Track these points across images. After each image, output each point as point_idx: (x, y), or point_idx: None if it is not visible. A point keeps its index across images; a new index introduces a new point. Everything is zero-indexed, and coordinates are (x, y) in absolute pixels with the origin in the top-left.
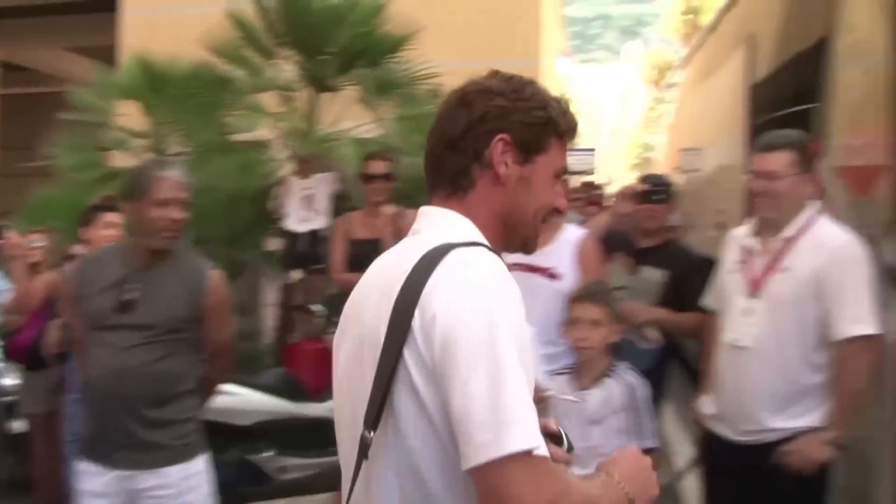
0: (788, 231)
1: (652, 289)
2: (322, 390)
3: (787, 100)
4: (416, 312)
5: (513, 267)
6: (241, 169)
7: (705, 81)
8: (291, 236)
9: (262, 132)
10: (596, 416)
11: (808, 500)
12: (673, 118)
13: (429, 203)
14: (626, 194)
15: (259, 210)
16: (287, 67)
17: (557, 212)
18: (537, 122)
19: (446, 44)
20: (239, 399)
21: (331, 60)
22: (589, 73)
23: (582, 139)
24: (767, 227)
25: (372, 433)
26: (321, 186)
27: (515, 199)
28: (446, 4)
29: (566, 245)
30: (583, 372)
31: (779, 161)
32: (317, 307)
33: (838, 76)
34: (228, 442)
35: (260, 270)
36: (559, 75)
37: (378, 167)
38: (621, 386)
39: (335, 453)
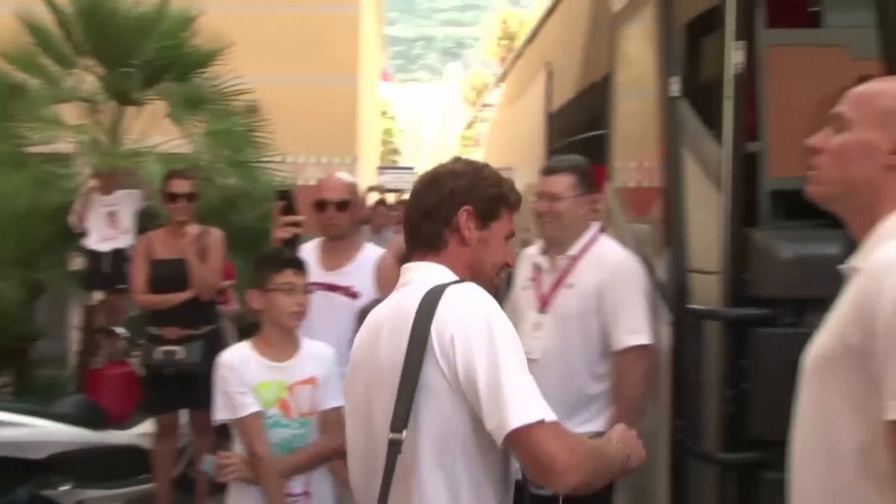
0: (573, 250)
1: None
2: (126, 416)
3: (581, 126)
4: (433, 337)
5: (312, 287)
6: (38, 184)
7: (514, 105)
8: (94, 255)
9: (62, 145)
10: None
11: (595, 498)
12: (487, 139)
13: (408, 259)
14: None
15: (59, 228)
16: (89, 78)
17: (507, 265)
18: (493, 197)
19: (263, 60)
20: (31, 431)
21: (135, 73)
22: (411, 93)
23: (401, 158)
24: (554, 246)
25: (402, 433)
26: (125, 203)
27: (477, 256)
28: (264, 20)
29: (366, 264)
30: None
31: (560, 183)
32: (120, 329)
33: (619, 106)
34: (19, 478)
35: (64, 291)
36: (380, 94)
37: (181, 186)
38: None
39: (140, 482)
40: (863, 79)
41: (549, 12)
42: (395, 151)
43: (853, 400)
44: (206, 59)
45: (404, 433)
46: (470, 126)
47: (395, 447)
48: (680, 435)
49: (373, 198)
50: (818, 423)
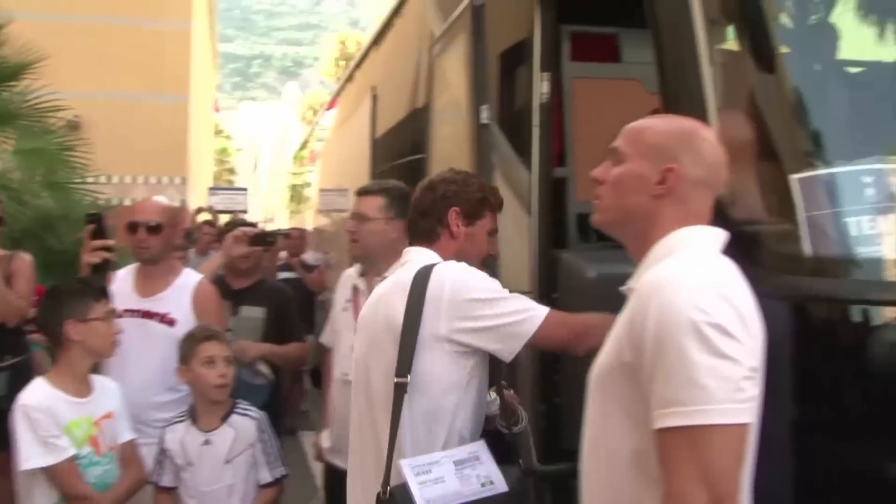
0: (389, 272)
1: (255, 326)
2: None
3: (404, 150)
4: (428, 297)
5: (125, 313)
6: None
7: (344, 127)
8: None
9: None
10: (229, 455)
11: None
12: (321, 159)
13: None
14: (239, 237)
15: None
16: None
17: (490, 256)
18: (478, 200)
19: (86, 74)
20: None
21: None
22: (248, 112)
23: (238, 178)
24: (372, 269)
25: (407, 377)
26: None
27: (463, 247)
28: (86, 30)
29: (183, 290)
30: (206, 412)
31: (370, 204)
32: None
33: (436, 131)
34: None
35: None
36: (214, 112)
37: None
38: (247, 421)
39: None
40: (656, 111)
41: (376, 38)
42: (232, 171)
43: (629, 411)
44: (15, 71)
45: (408, 377)
46: (304, 146)
47: (401, 389)
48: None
49: (202, 219)
50: (601, 433)
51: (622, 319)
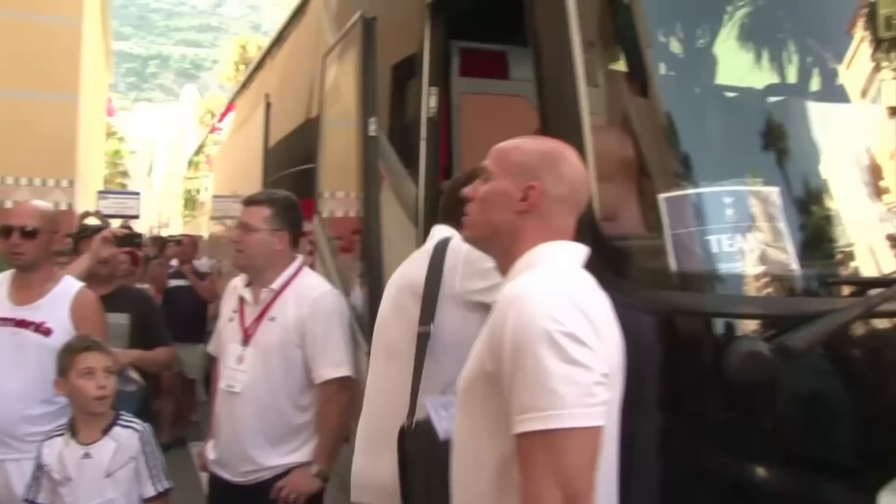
0: (275, 283)
1: (121, 333)
2: None
3: (297, 159)
4: (446, 260)
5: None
6: None
7: (239, 133)
8: None
9: None
10: (110, 469)
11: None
12: (216, 164)
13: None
14: (107, 238)
15: None
16: None
17: None
18: None
19: None
20: None
21: None
22: (144, 113)
23: (131, 181)
24: (258, 279)
25: (429, 326)
26: None
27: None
28: None
29: (60, 299)
30: (86, 425)
31: (254, 215)
32: None
33: (326, 141)
34: None
35: None
36: (107, 113)
37: None
38: (129, 432)
39: None
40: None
41: (272, 44)
42: (125, 174)
43: (492, 420)
44: None
45: (430, 326)
46: (200, 150)
47: (424, 337)
48: None
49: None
50: (467, 442)
51: (484, 330)
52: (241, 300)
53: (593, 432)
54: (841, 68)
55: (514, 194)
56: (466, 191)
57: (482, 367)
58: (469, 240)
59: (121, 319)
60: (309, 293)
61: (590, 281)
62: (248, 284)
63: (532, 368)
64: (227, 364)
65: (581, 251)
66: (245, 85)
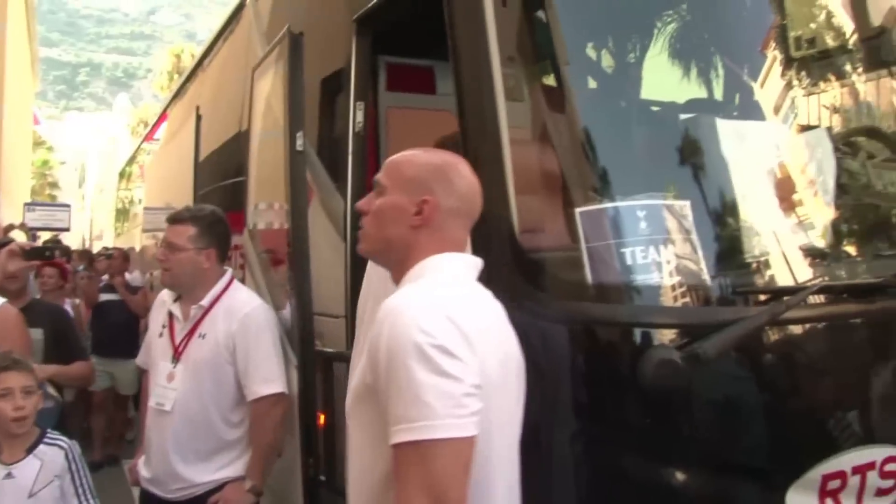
0: (205, 300)
1: (36, 348)
2: None
3: (227, 172)
4: None
5: None
6: None
7: (171, 144)
8: None
9: None
10: (34, 488)
11: None
12: (148, 175)
13: None
14: (14, 251)
15: None
16: None
17: None
18: None
19: None
20: None
21: None
22: (75, 123)
23: (62, 193)
24: (187, 295)
25: None
26: None
27: None
28: None
29: None
30: (9, 445)
31: (179, 234)
32: None
33: (255, 155)
34: None
35: None
36: (33, 122)
37: None
38: (54, 450)
39: None
40: None
41: (203, 56)
42: (55, 185)
43: (375, 433)
44: None
45: None
46: (132, 161)
47: None
48: (311, 472)
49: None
50: (355, 456)
51: (366, 343)
52: (171, 316)
53: (464, 442)
54: (755, 86)
55: (407, 209)
56: (360, 204)
57: (364, 380)
58: (364, 253)
59: (35, 335)
60: (239, 309)
61: (475, 292)
62: (177, 299)
63: (404, 380)
64: (157, 381)
65: (472, 262)
66: (177, 96)
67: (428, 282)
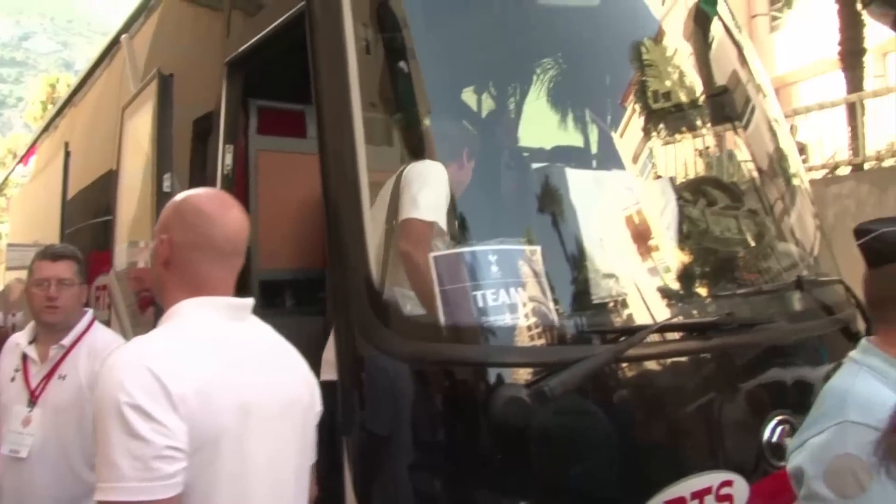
0: (66, 339)
1: None
2: None
3: (94, 211)
4: None
5: None
6: None
7: (39, 179)
8: None
9: None
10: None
11: None
12: (13, 209)
13: None
14: None
15: None
16: None
17: None
18: None
19: None
20: None
21: None
22: None
23: None
24: (46, 335)
25: None
26: None
27: None
28: None
29: None
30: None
31: (67, 269)
32: None
33: (123, 194)
34: None
35: None
36: None
37: None
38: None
39: None
40: None
41: (74, 91)
42: None
43: None
44: None
45: None
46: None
47: None
48: None
49: None
50: None
51: None
52: (25, 358)
53: None
54: (615, 135)
55: (157, 248)
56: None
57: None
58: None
59: None
60: (103, 349)
61: (224, 337)
62: (32, 341)
63: (102, 440)
64: (10, 427)
65: (223, 304)
66: (47, 129)
67: (163, 330)
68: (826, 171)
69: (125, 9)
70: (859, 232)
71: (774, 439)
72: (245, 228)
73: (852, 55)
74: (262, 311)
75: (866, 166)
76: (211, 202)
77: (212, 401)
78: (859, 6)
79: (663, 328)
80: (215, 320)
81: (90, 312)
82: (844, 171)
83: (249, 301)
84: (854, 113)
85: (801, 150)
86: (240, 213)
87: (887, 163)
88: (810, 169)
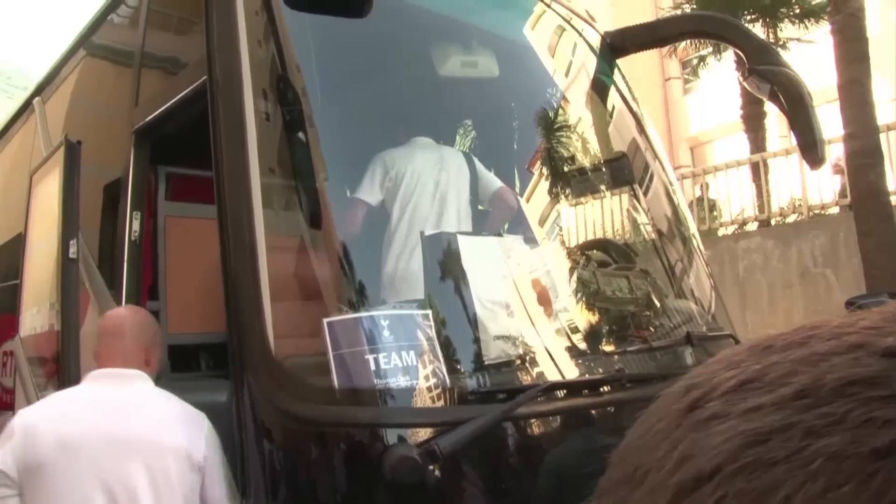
0: None
1: None
2: None
3: (7, 275)
4: None
5: None
6: None
7: None
8: None
9: None
10: None
11: None
12: None
13: None
14: None
15: None
16: None
17: None
18: None
19: None
20: None
21: None
22: None
23: None
24: None
25: None
26: None
27: None
28: None
29: None
30: None
31: None
32: None
33: (30, 259)
34: None
35: None
36: None
37: None
38: None
39: None
40: None
41: None
42: None
43: None
44: None
45: None
46: None
47: None
48: None
49: None
50: None
51: None
52: None
53: None
54: (521, 200)
55: None
56: None
57: None
58: None
59: None
60: None
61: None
62: None
63: None
64: None
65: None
66: None
67: None
68: (735, 226)
69: (47, 63)
70: (848, 304)
71: None
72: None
73: (753, 118)
74: (173, 374)
75: (772, 222)
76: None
77: (35, 434)
78: (739, 78)
79: (553, 387)
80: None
81: None
82: (752, 226)
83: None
84: (758, 172)
85: (712, 206)
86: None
87: (790, 219)
88: (721, 225)
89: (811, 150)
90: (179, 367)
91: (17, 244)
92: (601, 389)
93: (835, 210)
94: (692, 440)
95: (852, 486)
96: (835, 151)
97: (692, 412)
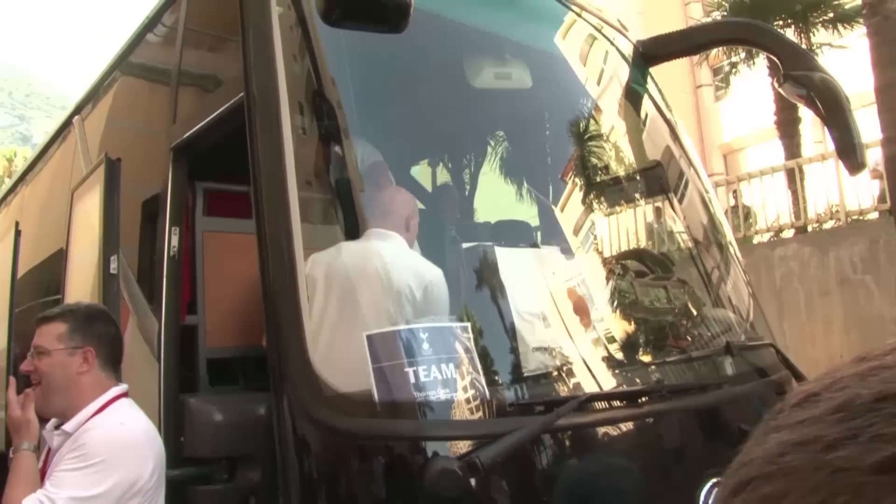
0: (69, 424)
1: None
2: None
3: (44, 290)
4: None
5: None
6: None
7: None
8: None
9: None
10: None
11: None
12: None
13: None
14: None
15: None
16: None
17: None
18: None
19: None
20: None
21: None
22: None
23: None
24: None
25: None
26: None
27: None
28: None
29: None
30: None
31: (47, 334)
32: None
33: (72, 275)
34: None
35: None
36: None
37: None
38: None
39: None
40: None
41: (26, 171)
42: None
43: None
44: None
45: None
46: None
47: None
48: None
49: None
50: None
51: None
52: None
53: None
54: (556, 209)
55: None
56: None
57: None
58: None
59: None
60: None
61: None
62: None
63: None
64: None
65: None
66: None
67: None
68: (771, 234)
69: (84, 83)
70: None
71: (710, 503)
72: None
73: (787, 124)
74: (212, 388)
75: (809, 228)
76: None
77: None
78: (775, 84)
79: (592, 398)
80: None
81: (115, 389)
82: (788, 233)
83: None
84: (794, 178)
85: (747, 214)
86: None
87: (827, 225)
88: (756, 232)
89: (850, 154)
90: (218, 381)
91: (59, 259)
92: (640, 400)
93: (874, 215)
94: (749, 447)
95: (845, 498)
96: (872, 156)
97: (772, 419)
